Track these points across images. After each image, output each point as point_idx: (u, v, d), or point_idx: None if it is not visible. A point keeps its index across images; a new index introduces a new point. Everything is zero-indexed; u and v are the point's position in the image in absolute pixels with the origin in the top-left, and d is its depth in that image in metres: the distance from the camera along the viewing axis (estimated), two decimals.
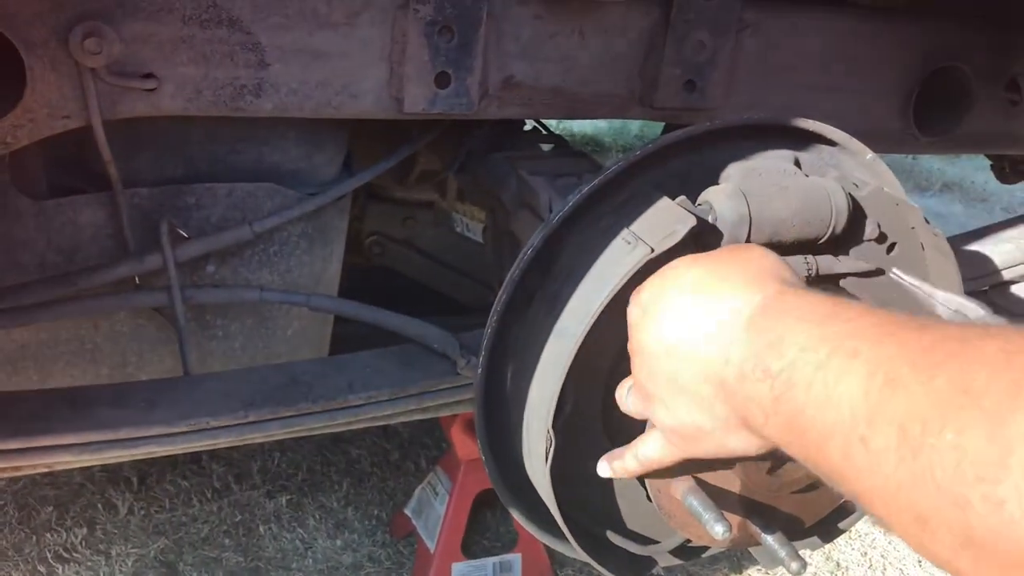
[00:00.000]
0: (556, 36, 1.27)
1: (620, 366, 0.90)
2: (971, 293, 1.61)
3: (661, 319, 0.77)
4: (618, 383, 0.90)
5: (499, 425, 1.07)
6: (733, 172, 1.00)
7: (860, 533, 2.70)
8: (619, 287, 0.89)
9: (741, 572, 2.49)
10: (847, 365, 0.56)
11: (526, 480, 1.05)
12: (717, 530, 0.86)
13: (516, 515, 1.11)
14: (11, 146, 1.08)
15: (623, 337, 0.88)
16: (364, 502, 2.63)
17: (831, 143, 1.09)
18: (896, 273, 1.01)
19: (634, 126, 5.94)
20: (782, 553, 0.94)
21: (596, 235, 0.97)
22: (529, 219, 1.35)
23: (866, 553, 2.65)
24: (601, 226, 0.98)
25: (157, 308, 1.38)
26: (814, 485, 0.99)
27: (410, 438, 2.88)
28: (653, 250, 0.88)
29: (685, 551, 1.10)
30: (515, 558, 2.39)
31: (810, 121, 1.06)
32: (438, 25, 1.17)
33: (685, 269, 0.80)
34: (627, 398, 0.85)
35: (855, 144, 1.09)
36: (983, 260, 1.74)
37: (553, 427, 0.92)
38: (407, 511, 2.46)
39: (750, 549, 1.01)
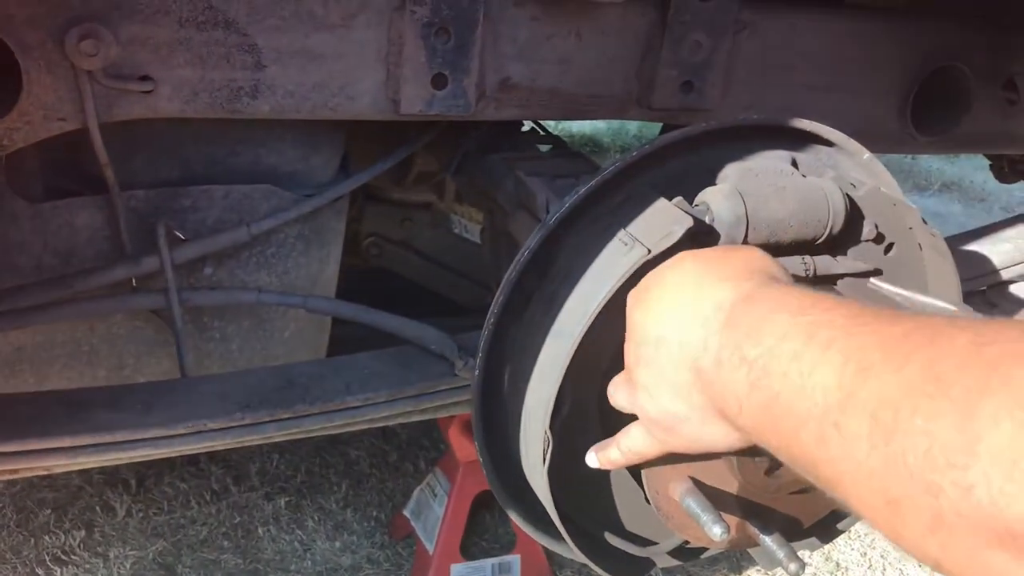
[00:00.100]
0: (553, 37, 1.27)
1: (617, 367, 0.90)
2: (969, 293, 1.62)
3: (653, 308, 0.79)
4: None
5: (497, 427, 1.07)
6: (730, 173, 1.00)
7: (859, 533, 2.70)
8: (616, 288, 0.89)
9: (740, 573, 2.49)
10: (822, 354, 0.57)
11: (524, 481, 1.05)
12: (715, 531, 0.85)
13: (514, 517, 1.11)
14: (7, 149, 1.07)
15: (620, 338, 0.88)
16: (363, 504, 2.62)
17: (828, 143, 1.09)
18: (874, 283, 1.02)
19: (632, 127, 5.94)
20: (780, 554, 0.94)
21: (593, 236, 0.97)
22: (526, 220, 1.35)
23: (865, 553, 2.65)
24: (598, 227, 0.98)
25: (154, 310, 1.38)
26: (812, 486, 0.99)
27: (409, 439, 2.88)
28: (650, 251, 0.88)
29: (684, 552, 1.10)
30: (514, 559, 2.39)
31: (807, 121, 1.06)
32: (434, 27, 1.17)
33: (681, 262, 0.82)
34: (616, 391, 0.86)
35: (852, 144, 1.09)
36: (981, 260, 1.74)
37: (550, 428, 0.92)
38: (406, 512, 2.45)
39: (749, 550, 1.01)
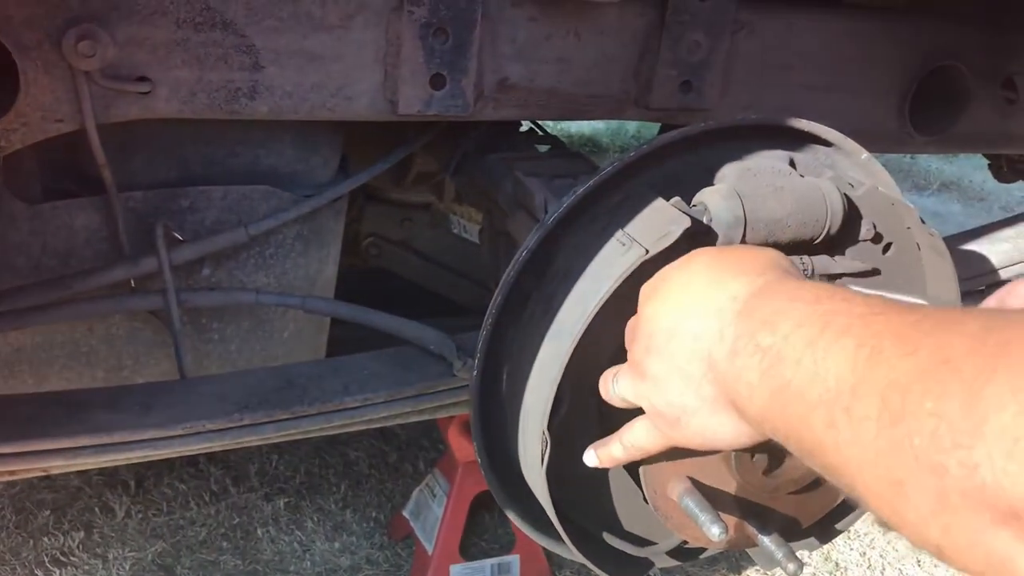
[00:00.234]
0: (551, 38, 1.27)
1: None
2: (967, 292, 1.62)
3: (667, 300, 0.79)
4: None
5: (495, 427, 1.07)
6: (728, 173, 1.00)
7: (859, 533, 2.70)
8: (614, 288, 0.89)
9: (739, 573, 2.49)
10: (836, 341, 0.57)
11: (523, 482, 1.05)
12: (713, 531, 0.85)
13: (513, 517, 1.11)
14: (5, 150, 1.07)
15: (619, 338, 0.88)
16: (362, 504, 2.62)
17: (826, 143, 1.09)
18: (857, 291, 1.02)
19: (631, 127, 5.94)
20: (779, 554, 0.94)
21: (591, 236, 0.97)
22: (525, 220, 1.35)
23: (865, 553, 2.65)
24: (596, 227, 0.98)
25: (153, 311, 1.38)
26: (811, 486, 0.99)
27: (408, 440, 2.88)
28: (648, 251, 0.88)
29: (682, 552, 1.10)
30: (513, 559, 2.39)
31: (805, 121, 1.06)
32: (432, 27, 1.17)
33: (697, 257, 0.83)
34: (616, 383, 0.85)
35: (850, 144, 1.09)
36: (980, 259, 1.74)
37: (549, 429, 0.92)
38: (405, 513, 2.45)
39: (747, 550, 1.01)
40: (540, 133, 1.76)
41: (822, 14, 1.45)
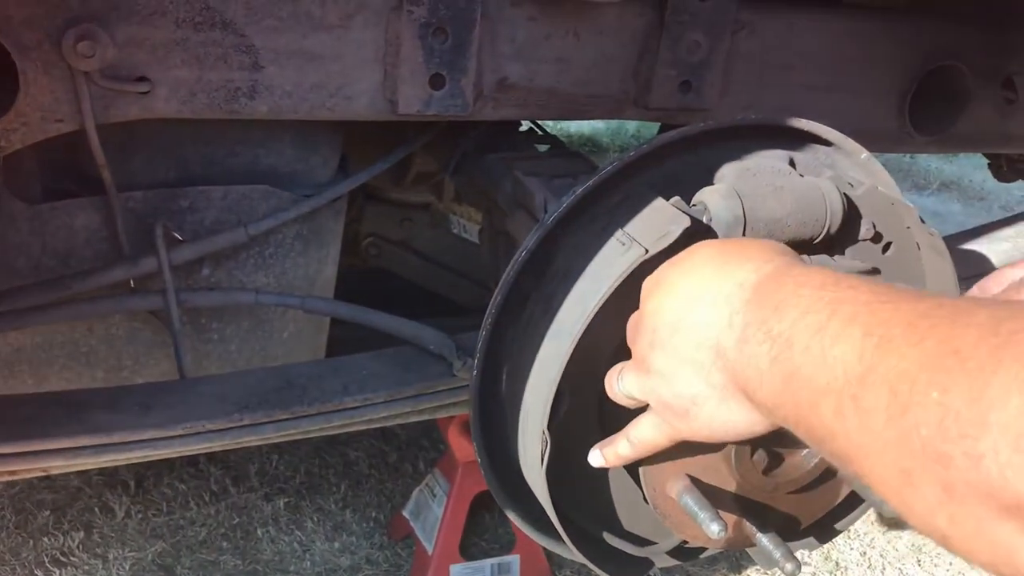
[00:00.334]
0: (550, 37, 1.27)
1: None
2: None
3: (671, 292, 0.79)
4: None
5: (495, 427, 1.07)
6: (728, 172, 1.00)
7: (859, 533, 2.70)
8: (614, 288, 0.89)
9: (740, 572, 2.49)
10: (844, 328, 0.57)
11: (522, 482, 1.05)
12: (712, 529, 0.85)
13: (512, 517, 1.11)
14: (4, 150, 1.07)
15: (618, 338, 0.88)
16: (362, 504, 2.62)
17: (826, 143, 1.09)
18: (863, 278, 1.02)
19: (631, 126, 5.95)
20: (777, 554, 0.94)
21: (591, 236, 0.97)
22: (525, 220, 1.35)
23: (865, 553, 2.65)
24: (596, 227, 0.98)
25: (152, 311, 1.38)
26: (810, 485, 0.99)
27: (408, 440, 2.88)
28: (647, 251, 0.88)
29: (682, 552, 1.10)
30: (513, 559, 2.39)
31: (805, 121, 1.06)
32: (432, 27, 1.17)
33: (700, 249, 0.82)
34: (621, 381, 0.85)
35: (850, 144, 1.09)
36: (980, 259, 1.74)
37: (548, 428, 0.92)
38: (405, 513, 2.45)
39: (747, 550, 1.01)
40: (540, 133, 1.76)
41: (823, 14, 1.45)
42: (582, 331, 0.89)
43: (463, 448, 2.23)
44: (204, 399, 1.24)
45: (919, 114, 1.58)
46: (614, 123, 5.80)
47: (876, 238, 1.02)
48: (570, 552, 1.02)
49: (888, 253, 1.04)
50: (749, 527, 0.96)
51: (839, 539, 2.50)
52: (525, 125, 1.75)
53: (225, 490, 2.62)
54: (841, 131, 1.08)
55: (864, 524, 2.72)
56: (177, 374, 1.33)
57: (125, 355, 1.44)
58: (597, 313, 0.89)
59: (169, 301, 1.31)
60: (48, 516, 2.46)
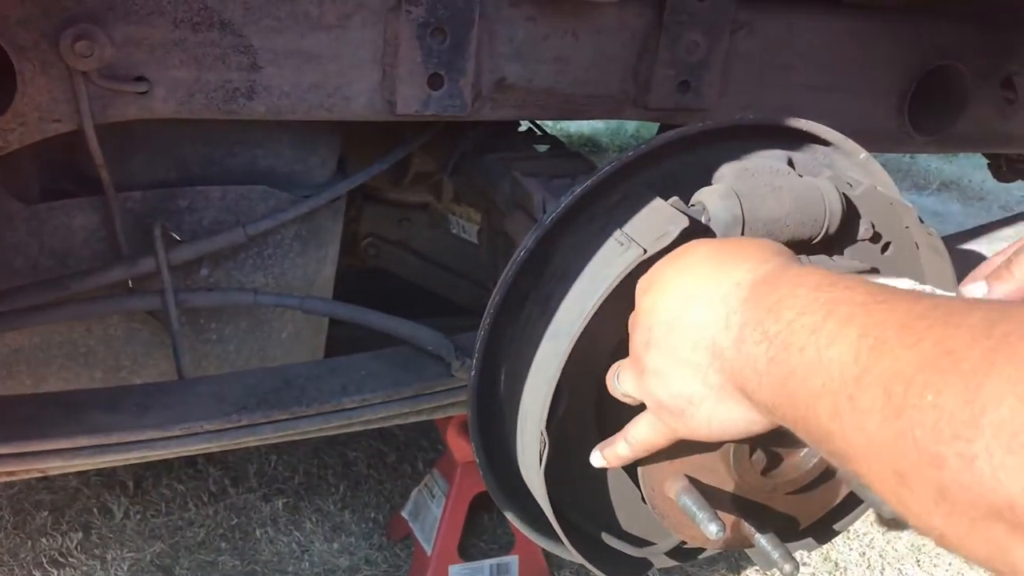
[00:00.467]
0: (549, 37, 1.27)
1: None
2: None
3: (666, 291, 0.79)
4: None
5: (493, 427, 1.07)
6: (726, 172, 1.00)
7: (858, 533, 2.70)
8: (612, 288, 0.88)
9: (739, 573, 2.49)
10: (840, 329, 0.58)
11: (521, 482, 1.05)
12: (711, 529, 0.85)
13: (511, 518, 1.11)
14: (2, 150, 1.07)
15: (617, 338, 0.88)
16: (361, 505, 2.62)
17: (825, 143, 1.09)
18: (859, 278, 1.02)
19: (630, 126, 5.94)
20: (775, 554, 0.93)
21: (589, 236, 0.97)
22: (523, 220, 1.35)
23: (864, 553, 2.65)
24: (594, 227, 0.98)
25: (151, 311, 1.38)
26: (809, 486, 0.99)
27: (407, 440, 2.87)
28: (646, 251, 0.88)
29: (681, 553, 1.10)
30: (512, 560, 2.39)
31: (803, 121, 1.05)
32: (430, 27, 1.17)
33: (696, 248, 0.82)
34: (619, 380, 0.85)
35: (849, 144, 1.09)
36: (979, 259, 1.74)
37: (547, 429, 0.92)
38: (404, 514, 2.45)
39: (746, 550, 1.01)
40: (538, 133, 1.76)
41: (822, 14, 1.45)
42: (580, 331, 0.89)
43: (461, 448, 2.23)
44: (202, 399, 1.24)
45: (919, 114, 1.58)
46: (613, 123, 5.80)
47: (875, 238, 1.02)
48: (568, 553, 1.02)
49: (887, 253, 1.04)
50: (747, 528, 0.96)
51: (838, 539, 2.49)
52: (524, 125, 1.75)
53: (224, 491, 2.61)
54: (840, 131, 1.08)
55: (863, 524, 2.72)
56: (175, 374, 1.33)
57: (123, 355, 1.43)
58: (595, 313, 0.89)
59: (167, 301, 1.31)
60: (46, 517, 2.45)
